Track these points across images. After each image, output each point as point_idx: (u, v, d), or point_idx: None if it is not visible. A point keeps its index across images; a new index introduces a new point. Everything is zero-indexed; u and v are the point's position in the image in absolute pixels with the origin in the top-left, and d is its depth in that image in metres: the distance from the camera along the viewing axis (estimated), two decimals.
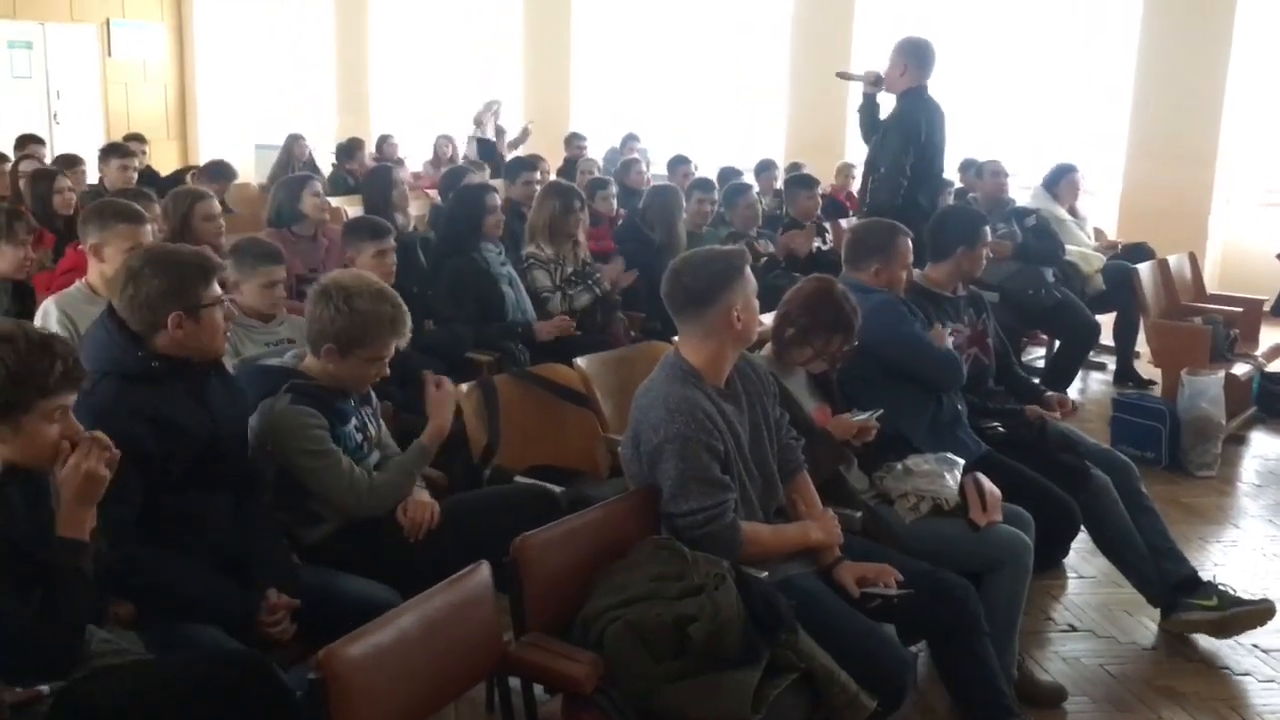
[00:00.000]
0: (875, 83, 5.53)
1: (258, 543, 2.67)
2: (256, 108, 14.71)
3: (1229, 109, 9.25)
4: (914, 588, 2.77)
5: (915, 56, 5.35)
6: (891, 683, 2.52)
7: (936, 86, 5.55)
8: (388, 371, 3.01)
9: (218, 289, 2.64)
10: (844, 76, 6.01)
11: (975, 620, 2.84)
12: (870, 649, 2.57)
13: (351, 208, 7.13)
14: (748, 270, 2.75)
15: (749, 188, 6.95)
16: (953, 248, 3.86)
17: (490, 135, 10.57)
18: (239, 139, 13.99)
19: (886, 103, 5.67)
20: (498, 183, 6.64)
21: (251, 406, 2.82)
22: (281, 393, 2.84)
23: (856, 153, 10.80)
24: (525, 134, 10.64)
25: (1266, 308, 6.84)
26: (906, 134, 5.29)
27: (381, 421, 3.24)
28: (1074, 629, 3.81)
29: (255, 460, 2.80)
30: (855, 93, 11.19)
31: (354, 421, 2.99)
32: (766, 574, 2.63)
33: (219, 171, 7.81)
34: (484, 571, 2.32)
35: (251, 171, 12.26)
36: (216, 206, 4.63)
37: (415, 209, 6.88)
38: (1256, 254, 8.52)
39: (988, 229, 3.97)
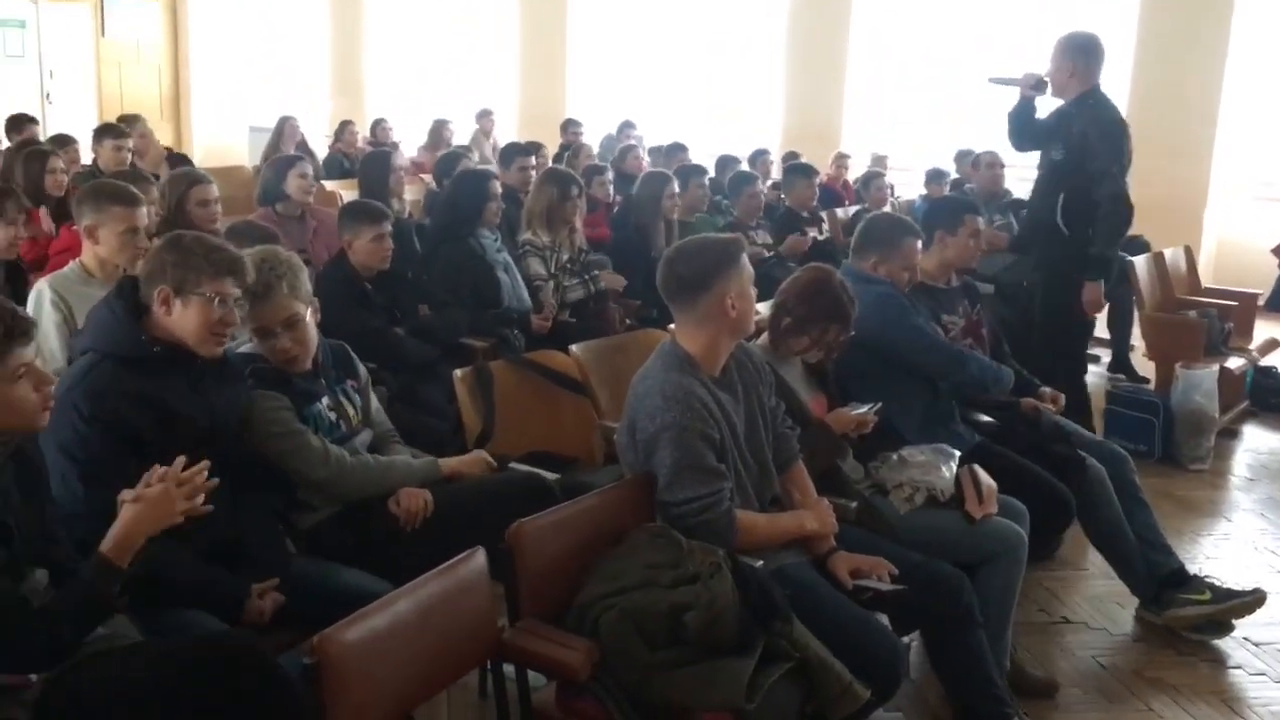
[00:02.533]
0: (1037, 86, 4.94)
1: (251, 531, 2.65)
2: (251, 89, 14.63)
3: (1225, 104, 9.25)
4: (908, 578, 2.77)
5: (1084, 54, 4.82)
6: (885, 672, 2.53)
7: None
8: (286, 344, 2.88)
9: (223, 288, 2.55)
10: (999, 82, 5.10)
11: (969, 611, 2.85)
12: (863, 639, 2.57)
13: (347, 191, 7.10)
14: (743, 258, 2.74)
15: (755, 177, 6.92)
16: (932, 232, 3.88)
17: (489, 156, 10.10)
18: (233, 121, 13.93)
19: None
20: (492, 166, 6.61)
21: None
22: (244, 378, 2.83)
23: (851, 142, 10.85)
24: None
25: (1261, 302, 6.86)
26: (1113, 136, 4.81)
27: (374, 398, 3.22)
28: (1067, 621, 3.82)
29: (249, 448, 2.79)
30: (853, 82, 11.35)
31: (325, 400, 2.97)
32: (761, 563, 2.63)
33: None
34: (479, 558, 2.31)
35: (245, 154, 12.22)
36: (213, 191, 4.62)
37: (410, 194, 6.86)
38: (1252, 248, 8.52)
39: (974, 217, 3.94)
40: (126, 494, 2.14)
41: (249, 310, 2.78)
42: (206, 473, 2.20)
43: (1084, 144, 4.74)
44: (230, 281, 2.57)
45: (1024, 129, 5.03)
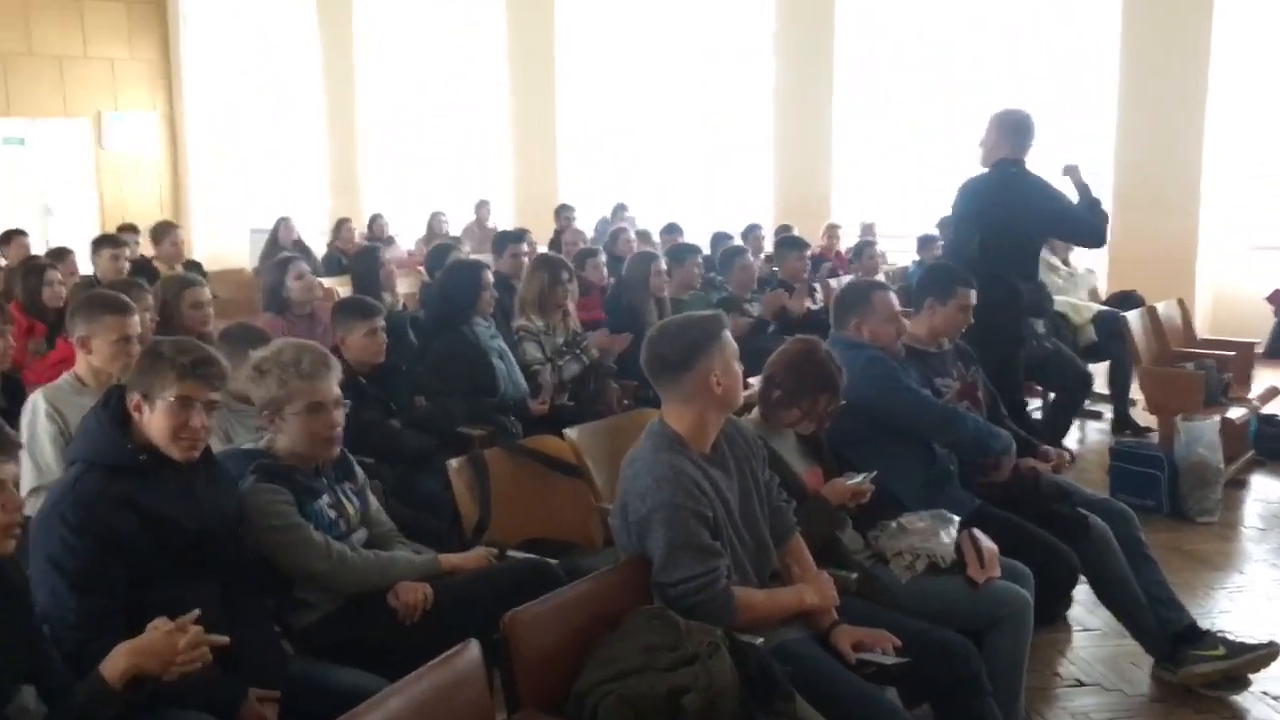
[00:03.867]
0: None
1: (246, 631, 2.63)
2: (250, 193, 14.88)
3: (1208, 157, 9.39)
4: (912, 648, 2.74)
5: (1015, 131, 5.11)
6: None
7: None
8: (340, 420, 2.98)
9: (189, 391, 2.54)
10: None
11: (977, 679, 2.80)
12: (869, 714, 2.53)
13: (344, 288, 7.17)
14: (725, 334, 2.75)
15: (744, 250, 7.00)
16: (921, 300, 3.95)
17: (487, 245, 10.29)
18: (234, 224, 14.14)
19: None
20: (485, 256, 6.69)
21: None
22: (248, 474, 2.84)
23: (841, 213, 10.97)
24: None
25: (1259, 349, 6.85)
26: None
27: (371, 498, 3.23)
28: (1081, 683, 3.76)
29: (243, 548, 2.78)
30: (840, 153, 11.51)
31: (326, 499, 2.98)
32: (762, 640, 2.60)
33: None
34: (473, 650, 2.28)
35: (247, 256, 12.38)
36: (205, 294, 4.71)
37: (405, 286, 6.93)
38: (1246, 298, 8.56)
39: (967, 291, 3.98)
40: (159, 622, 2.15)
41: (311, 383, 2.88)
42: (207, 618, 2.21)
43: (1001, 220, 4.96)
44: (196, 384, 2.55)
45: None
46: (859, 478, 3.25)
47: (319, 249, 10.33)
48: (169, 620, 2.18)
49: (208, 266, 9.26)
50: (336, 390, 2.98)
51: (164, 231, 7.94)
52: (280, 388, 2.91)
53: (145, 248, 8.33)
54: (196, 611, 2.20)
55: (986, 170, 5.13)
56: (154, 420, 2.54)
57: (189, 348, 2.64)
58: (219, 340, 3.86)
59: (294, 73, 15.35)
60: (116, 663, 2.10)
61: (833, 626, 2.79)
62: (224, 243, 14.05)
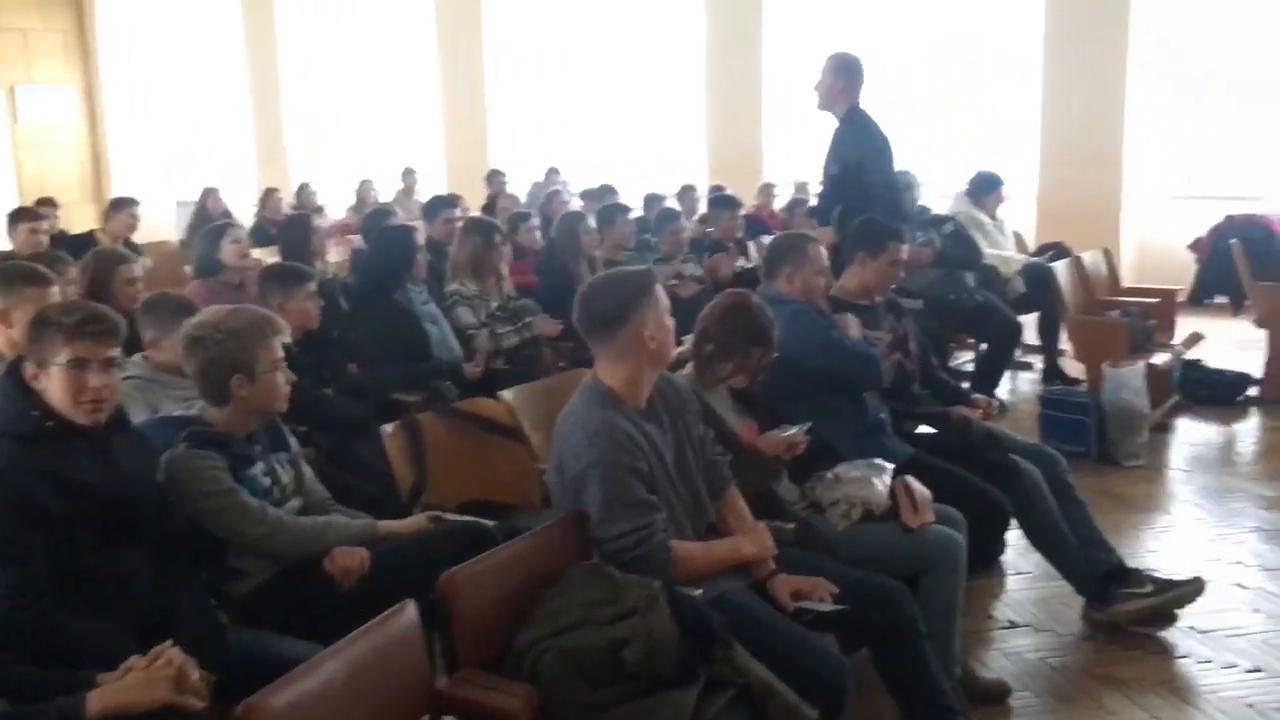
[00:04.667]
0: None
1: (179, 602, 2.59)
2: (174, 164, 14.54)
3: (1131, 110, 9.57)
4: (849, 595, 2.77)
5: (848, 73, 5.22)
6: (830, 691, 2.51)
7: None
8: (291, 376, 2.95)
9: (81, 352, 2.46)
10: None
11: (913, 623, 2.84)
12: (807, 659, 2.56)
13: (272, 258, 7.04)
14: (657, 288, 2.75)
15: (677, 214, 7.02)
16: (854, 254, 3.98)
17: (415, 213, 10.17)
18: (157, 196, 13.80)
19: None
20: (417, 222, 6.60)
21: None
22: (179, 442, 2.80)
23: (775, 172, 10.99)
24: None
25: (1181, 298, 7.00)
26: (857, 145, 5.23)
27: (306, 467, 3.19)
28: (1014, 625, 3.84)
29: (171, 516, 2.73)
30: (772, 111, 11.50)
31: (260, 466, 2.94)
32: (700, 591, 2.62)
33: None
34: (410, 611, 2.27)
35: (174, 229, 12.11)
36: (137, 270, 4.64)
37: (336, 254, 6.83)
38: (1170, 247, 8.74)
39: (898, 245, 4.02)
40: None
41: (260, 347, 2.82)
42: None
43: (859, 161, 5.15)
44: (87, 344, 2.47)
45: None
46: (793, 430, 3.27)
47: (246, 220, 10.12)
48: (142, 656, 2.14)
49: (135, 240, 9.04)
50: (279, 352, 2.92)
51: (122, 205, 7.78)
52: (222, 353, 2.83)
53: (73, 221, 8.14)
54: (170, 642, 2.17)
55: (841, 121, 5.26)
56: (52, 386, 2.48)
57: (74, 308, 2.57)
58: (141, 311, 3.77)
59: (215, 41, 14.98)
60: (96, 703, 2.06)
61: (771, 576, 2.82)
62: (148, 215, 13.70)
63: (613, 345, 2.69)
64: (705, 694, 2.33)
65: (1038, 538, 3.78)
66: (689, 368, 3.29)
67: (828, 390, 3.58)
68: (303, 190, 10.87)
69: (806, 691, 2.43)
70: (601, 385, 2.71)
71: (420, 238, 5.28)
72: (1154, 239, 9.76)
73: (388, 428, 3.54)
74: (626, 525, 2.59)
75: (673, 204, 8.44)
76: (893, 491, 3.24)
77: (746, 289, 3.56)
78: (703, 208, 8.75)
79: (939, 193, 7.95)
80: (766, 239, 7.68)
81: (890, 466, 3.34)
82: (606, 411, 2.64)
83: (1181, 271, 7.72)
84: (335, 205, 11.64)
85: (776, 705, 2.39)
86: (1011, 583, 4.16)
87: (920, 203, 6.98)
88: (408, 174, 11.89)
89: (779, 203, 9.65)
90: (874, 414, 3.66)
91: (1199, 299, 7.25)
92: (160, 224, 12.86)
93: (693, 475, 2.83)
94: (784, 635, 2.61)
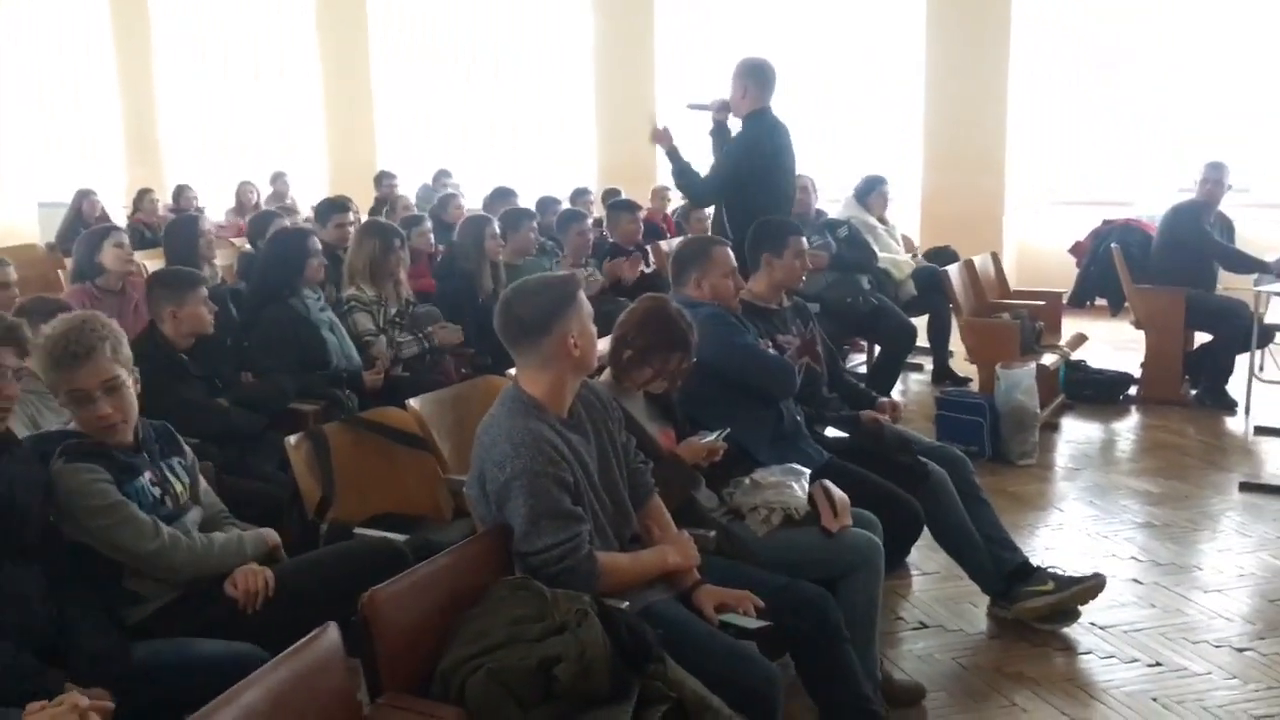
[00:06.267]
0: (723, 109, 5.35)
1: (75, 619, 2.44)
2: (35, 164, 13.84)
3: (1012, 119, 9.88)
4: (773, 602, 2.75)
5: (755, 77, 5.23)
6: (762, 701, 2.49)
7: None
8: (108, 409, 2.73)
9: None
10: (694, 108, 5.56)
11: (836, 628, 2.84)
12: (738, 670, 2.53)
13: (152, 262, 6.75)
14: (581, 295, 2.69)
15: (582, 215, 6.91)
16: (758, 256, 3.96)
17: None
18: (18, 198, 13.13)
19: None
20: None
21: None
22: (55, 457, 2.64)
23: (667, 176, 11.00)
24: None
25: (1065, 300, 7.23)
26: (737, 157, 5.20)
27: (200, 478, 3.03)
28: (924, 625, 3.89)
29: (58, 533, 2.58)
30: (665, 113, 11.50)
31: (148, 475, 2.79)
32: (628, 604, 2.56)
33: None
34: (331, 634, 2.16)
35: (37, 232, 11.53)
36: (11, 274, 4.43)
37: (221, 259, 6.57)
38: (1049, 250, 9.04)
39: (798, 237, 4.03)
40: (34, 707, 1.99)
41: (65, 374, 2.65)
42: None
43: (749, 171, 5.14)
44: None
45: (717, 148, 5.39)
46: (712, 436, 3.25)
47: (119, 223, 9.70)
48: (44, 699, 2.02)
49: None
50: (109, 372, 2.72)
51: None
52: (45, 374, 2.73)
53: None
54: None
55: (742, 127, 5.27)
56: None
57: None
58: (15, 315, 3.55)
59: (83, 33, 14.32)
60: None
61: (695, 587, 2.78)
62: (8, 217, 13.04)
63: (538, 353, 2.62)
64: (638, 710, 2.28)
65: (946, 539, 3.83)
66: (606, 374, 3.23)
67: (743, 395, 3.56)
68: (183, 192, 10.43)
69: (739, 703, 2.40)
70: (524, 394, 2.63)
71: (315, 240, 5.10)
72: (1033, 243, 10.09)
73: (292, 439, 3.39)
74: (552, 538, 2.52)
75: (567, 207, 8.36)
76: (811, 496, 3.24)
77: (661, 294, 3.52)
78: (598, 211, 8.69)
79: (827, 197, 8.05)
80: (665, 244, 7.70)
81: (807, 471, 3.35)
82: (531, 421, 2.57)
83: (1061, 274, 7.98)
84: (214, 208, 11.23)
85: (710, 718, 2.35)
86: (918, 583, 4.22)
87: (816, 207, 7.07)
88: (277, 178, 11.23)
89: (672, 206, 9.64)
90: (789, 419, 3.66)
91: (1079, 301, 7.50)
92: (20, 226, 12.25)
93: (617, 484, 2.78)
94: (715, 647, 2.58)
